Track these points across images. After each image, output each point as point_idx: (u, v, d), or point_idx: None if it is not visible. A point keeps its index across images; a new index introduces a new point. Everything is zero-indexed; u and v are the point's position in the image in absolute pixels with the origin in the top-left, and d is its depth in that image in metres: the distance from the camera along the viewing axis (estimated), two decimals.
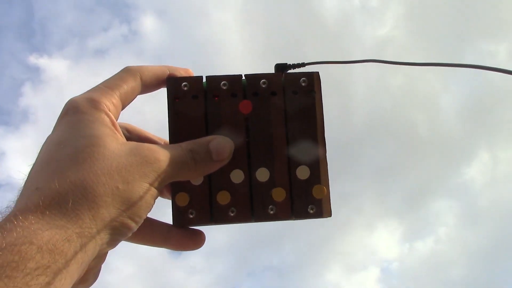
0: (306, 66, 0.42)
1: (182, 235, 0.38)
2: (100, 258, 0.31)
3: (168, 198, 0.39)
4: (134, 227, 0.31)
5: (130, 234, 0.32)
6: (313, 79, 0.39)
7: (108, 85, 0.36)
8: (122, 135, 0.35)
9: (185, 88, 0.38)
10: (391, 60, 0.43)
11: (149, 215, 0.37)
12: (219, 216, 0.37)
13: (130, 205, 0.30)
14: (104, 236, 0.29)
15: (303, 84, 0.39)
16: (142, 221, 0.32)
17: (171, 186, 0.38)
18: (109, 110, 0.34)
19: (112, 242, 0.31)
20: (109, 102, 0.34)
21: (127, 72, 0.37)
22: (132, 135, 0.40)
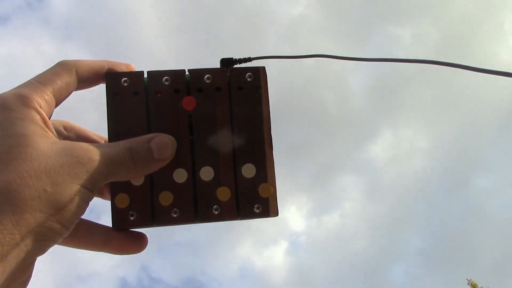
0: (253, 61, 0.41)
1: (122, 238, 0.36)
2: (27, 266, 0.29)
3: (108, 199, 0.37)
4: (64, 232, 0.29)
5: (60, 240, 0.30)
6: (259, 74, 0.38)
7: (40, 80, 0.33)
8: (55, 133, 0.33)
9: (125, 84, 0.37)
10: (339, 55, 0.42)
11: (89, 217, 0.35)
12: (161, 218, 0.36)
13: (59, 208, 0.28)
14: (29, 243, 0.27)
15: (248, 79, 0.38)
16: (73, 225, 0.30)
17: (110, 187, 0.36)
18: (41, 107, 0.32)
19: (40, 249, 0.29)
20: (41, 99, 0.32)
21: (61, 66, 0.35)
22: (69, 133, 0.38)
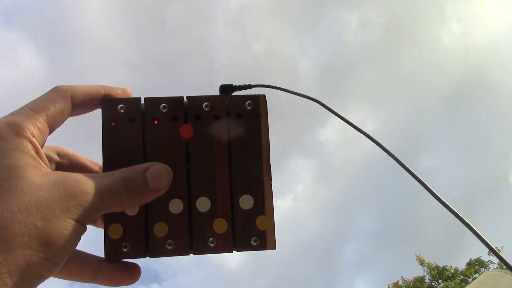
0: (253, 88, 0.40)
1: (114, 269, 0.35)
2: None
3: (101, 227, 0.36)
4: (54, 269, 0.28)
5: (50, 276, 0.29)
6: (259, 103, 0.37)
7: (33, 107, 0.32)
8: (47, 163, 0.32)
9: (122, 111, 0.36)
10: (332, 110, 0.43)
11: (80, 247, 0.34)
12: (155, 249, 0.35)
13: (50, 244, 0.27)
14: (17, 281, 0.26)
15: (248, 107, 0.37)
16: (64, 261, 0.29)
17: (104, 217, 0.35)
18: (33, 136, 0.31)
19: (29, 286, 0.27)
20: (34, 127, 0.31)
21: (56, 92, 0.34)
22: (63, 160, 0.37)
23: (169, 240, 0.35)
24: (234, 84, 0.40)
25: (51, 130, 0.33)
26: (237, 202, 0.36)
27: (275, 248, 0.36)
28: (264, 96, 0.38)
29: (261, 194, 0.36)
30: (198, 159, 0.36)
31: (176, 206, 0.35)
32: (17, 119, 0.31)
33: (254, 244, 0.36)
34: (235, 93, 0.39)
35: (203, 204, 0.35)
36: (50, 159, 0.36)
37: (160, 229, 0.35)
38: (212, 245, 0.35)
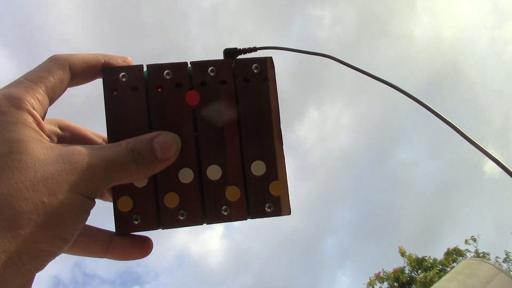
0: (258, 51, 0.38)
1: (126, 243, 0.34)
2: (26, 283, 0.27)
3: (110, 201, 0.35)
4: (64, 245, 0.27)
5: (60, 253, 0.28)
6: (266, 65, 0.36)
7: (31, 78, 0.31)
8: (50, 137, 0.30)
9: (124, 79, 0.34)
10: (346, 62, 0.41)
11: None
12: (167, 221, 0.34)
13: (58, 221, 0.26)
14: (27, 260, 0.25)
15: (255, 70, 0.35)
16: (74, 237, 0.28)
17: (112, 190, 0.34)
18: (33, 108, 0.29)
19: (39, 265, 0.26)
20: (33, 99, 0.30)
21: (53, 61, 0.32)
22: (65, 133, 0.36)
23: (181, 211, 0.34)
24: (238, 47, 0.38)
25: (51, 102, 0.32)
26: (249, 168, 0.35)
27: (290, 214, 0.35)
28: (271, 58, 0.36)
29: (273, 159, 0.35)
30: (206, 126, 0.35)
31: (186, 175, 0.34)
32: (15, 91, 0.29)
33: (269, 210, 0.35)
34: (240, 57, 0.38)
35: (214, 172, 0.34)
36: (51, 132, 0.34)
37: (171, 200, 0.34)
38: (225, 213, 0.34)
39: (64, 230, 0.27)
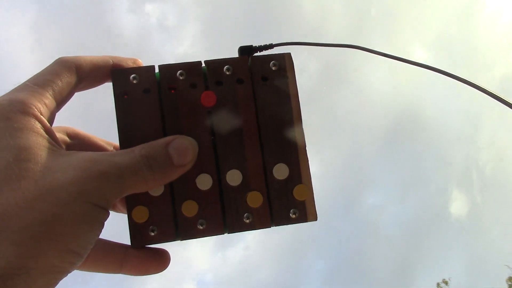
0: (275, 48, 0.36)
1: (141, 256, 0.31)
2: None
3: (124, 213, 0.33)
4: (77, 261, 0.25)
5: (73, 270, 0.25)
6: (285, 62, 0.34)
7: (38, 82, 0.28)
8: (60, 144, 0.28)
9: (135, 81, 0.32)
10: (373, 49, 0.38)
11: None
12: (186, 231, 0.32)
13: (71, 233, 0.24)
14: (37, 276, 0.23)
15: (273, 68, 0.33)
16: (88, 251, 0.26)
17: (126, 200, 0.31)
18: (41, 114, 0.27)
19: (50, 282, 0.24)
20: (40, 103, 0.28)
21: (60, 64, 0.30)
22: (74, 141, 0.34)
23: (201, 220, 0.32)
24: (254, 45, 0.36)
25: (58, 107, 0.30)
26: (271, 172, 0.32)
27: (316, 219, 0.33)
28: (289, 54, 0.34)
29: (296, 162, 0.33)
30: (224, 129, 0.32)
31: (204, 181, 0.32)
32: (21, 96, 0.27)
33: (293, 216, 0.32)
34: (256, 54, 0.36)
35: (233, 177, 0.32)
36: (59, 140, 0.32)
37: (189, 208, 0.31)
38: (247, 221, 0.32)
39: (77, 244, 0.24)
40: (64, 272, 0.25)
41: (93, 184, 0.25)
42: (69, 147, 0.33)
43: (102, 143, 0.35)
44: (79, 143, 0.34)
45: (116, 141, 0.33)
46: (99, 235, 0.27)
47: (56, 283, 0.25)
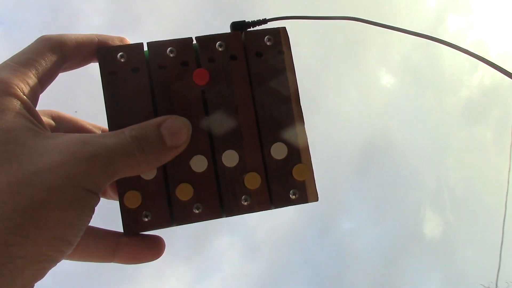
0: (268, 23, 0.34)
1: (135, 244, 0.30)
2: None
3: (115, 199, 0.31)
4: (67, 249, 0.23)
5: (62, 258, 0.24)
6: (280, 37, 0.32)
7: (20, 61, 0.27)
8: (45, 125, 0.26)
9: (122, 60, 0.30)
10: (373, 21, 0.37)
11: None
12: (181, 215, 0.30)
13: (60, 220, 0.22)
14: (23, 266, 0.21)
15: (268, 43, 0.32)
16: (78, 238, 0.24)
17: (117, 184, 0.30)
18: (24, 94, 0.26)
19: (38, 272, 0.23)
20: (23, 84, 0.26)
21: (43, 42, 0.28)
22: (59, 125, 0.32)
23: (196, 203, 0.30)
24: (246, 20, 0.34)
25: (42, 88, 0.28)
26: (269, 152, 0.31)
27: (317, 200, 0.31)
28: (284, 28, 0.33)
29: (295, 140, 0.31)
30: (218, 108, 0.31)
31: (199, 163, 0.30)
32: (2, 75, 0.25)
33: (293, 197, 0.31)
34: (249, 29, 0.34)
35: (230, 158, 0.31)
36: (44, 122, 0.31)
37: (184, 192, 0.30)
38: (245, 203, 0.31)
39: (66, 231, 0.23)
40: (53, 261, 0.23)
41: (82, 167, 0.24)
42: (54, 130, 0.31)
43: (90, 126, 0.33)
44: (64, 126, 0.32)
45: (104, 125, 0.31)
46: (89, 222, 0.25)
47: (45, 273, 0.23)
